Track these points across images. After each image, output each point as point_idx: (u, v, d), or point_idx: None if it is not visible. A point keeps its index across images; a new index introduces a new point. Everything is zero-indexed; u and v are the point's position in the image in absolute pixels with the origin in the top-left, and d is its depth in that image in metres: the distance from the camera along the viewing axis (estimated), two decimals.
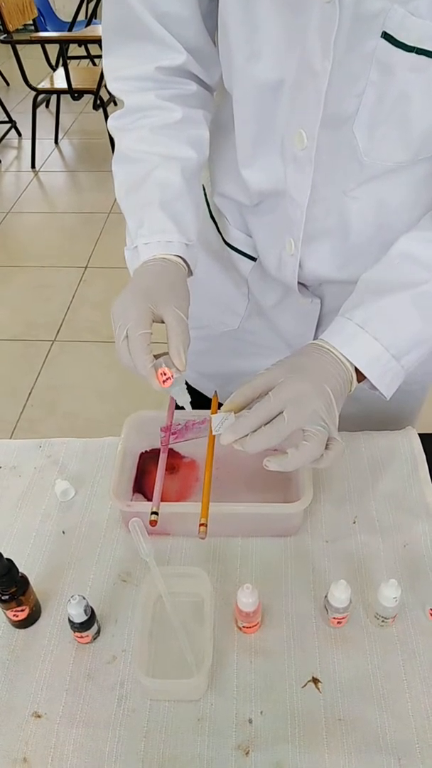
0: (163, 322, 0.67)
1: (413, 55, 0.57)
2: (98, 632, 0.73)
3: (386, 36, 0.57)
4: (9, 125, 4.32)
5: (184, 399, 0.72)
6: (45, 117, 4.40)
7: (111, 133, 0.80)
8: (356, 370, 0.68)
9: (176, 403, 0.74)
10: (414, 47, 0.56)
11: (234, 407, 0.67)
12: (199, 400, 1.11)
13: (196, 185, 0.78)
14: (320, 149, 0.68)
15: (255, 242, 0.88)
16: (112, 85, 0.78)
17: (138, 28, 0.71)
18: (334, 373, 0.67)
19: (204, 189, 0.94)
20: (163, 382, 0.64)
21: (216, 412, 0.67)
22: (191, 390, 1.13)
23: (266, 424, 0.63)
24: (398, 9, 0.55)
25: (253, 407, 0.65)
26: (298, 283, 0.84)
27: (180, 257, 0.72)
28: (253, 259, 0.91)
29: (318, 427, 0.63)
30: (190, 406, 0.73)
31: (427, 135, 0.64)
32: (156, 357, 0.65)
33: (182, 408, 0.74)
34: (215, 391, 0.83)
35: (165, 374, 0.64)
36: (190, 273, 0.75)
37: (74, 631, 0.71)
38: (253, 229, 0.87)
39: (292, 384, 0.64)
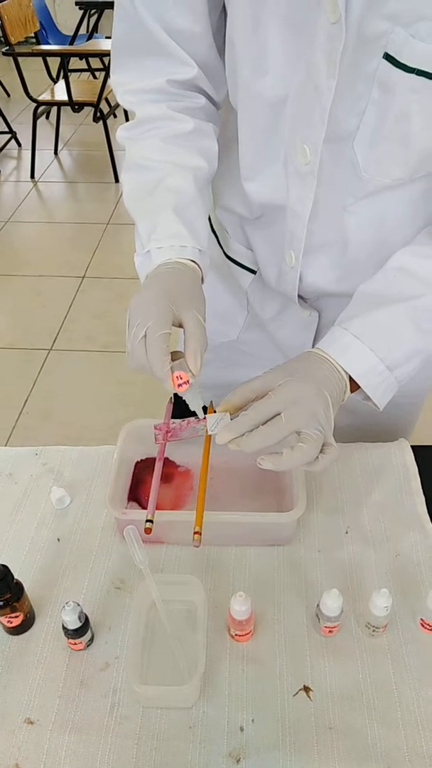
0: (180, 325, 0.67)
1: (414, 76, 0.58)
2: (92, 639, 0.73)
3: (388, 57, 0.58)
4: (9, 135, 4.35)
5: (197, 404, 0.71)
6: (45, 128, 4.43)
7: (121, 143, 0.80)
8: (350, 379, 0.69)
9: (189, 409, 0.73)
10: (414, 68, 0.58)
11: (230, 407, 0.67)
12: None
13: (207, 195, 0.78)
14: (322, 164, 0.69)
15: (255, 255, 0.89)
16: (123, 98, 0.78)
17: (150, 44, 0.72)
18: (332, 380, 0.68)
19: None
20: (179, 386, 0.64)
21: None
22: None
23: (263, 424, 0.64)
24: (400, 32, 0.56)
25: (252, 406, 0.65)
26: (298, 295, 0.85)
27: (194, 262, 0.72)
28: (253, 272, 0.92)
29: (315, 431, 0.63)
30: (203, 411, 0.72)
31: (426, 153, 0.65)
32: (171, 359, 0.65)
33: (194, 414, 0.73)
34: (210, 401, 0.83)
35: (181, 378, 0.64)
36: (202, 280, 0.75)
37: (68, 638, 0.71)
38: (253, 242, 0.88)
39: (294, 385, 0.65)
